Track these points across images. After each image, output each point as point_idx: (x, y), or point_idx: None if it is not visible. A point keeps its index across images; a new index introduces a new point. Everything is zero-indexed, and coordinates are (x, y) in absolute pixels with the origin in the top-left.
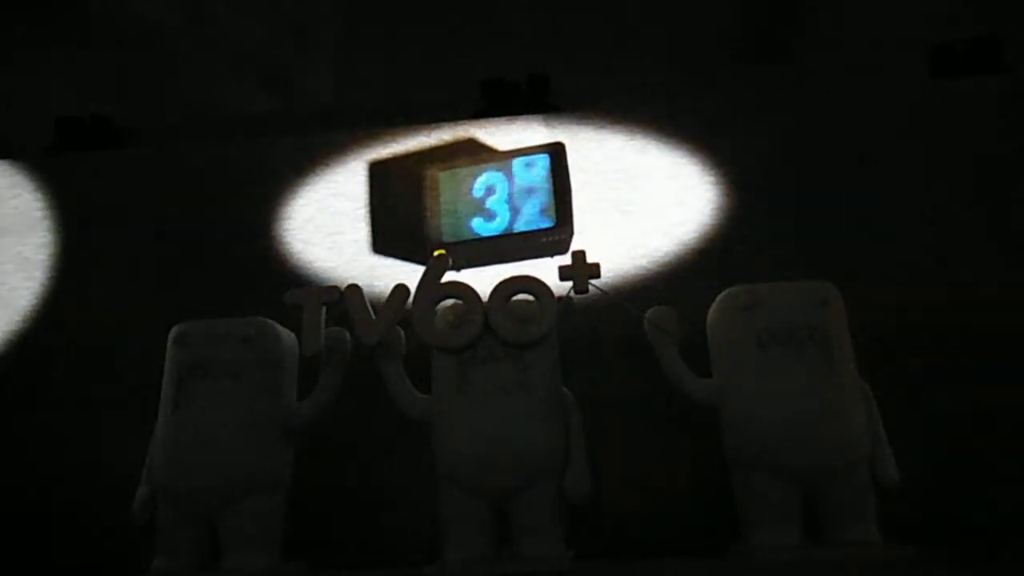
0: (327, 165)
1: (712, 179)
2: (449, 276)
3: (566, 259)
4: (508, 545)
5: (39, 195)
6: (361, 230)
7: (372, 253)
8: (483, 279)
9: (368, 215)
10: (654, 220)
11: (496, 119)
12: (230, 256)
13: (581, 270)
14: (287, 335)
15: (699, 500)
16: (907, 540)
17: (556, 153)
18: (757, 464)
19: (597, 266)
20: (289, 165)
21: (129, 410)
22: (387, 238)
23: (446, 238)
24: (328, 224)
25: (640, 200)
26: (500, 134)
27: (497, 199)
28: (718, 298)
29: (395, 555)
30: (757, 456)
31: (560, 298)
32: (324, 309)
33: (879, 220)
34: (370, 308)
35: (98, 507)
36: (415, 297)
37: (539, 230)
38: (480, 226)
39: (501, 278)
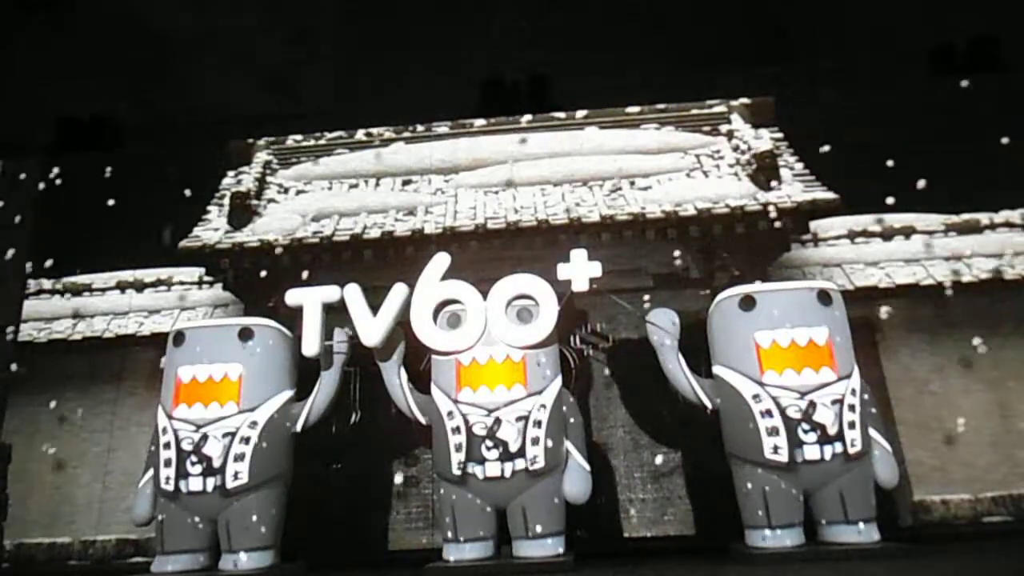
0: (327, 165)
1: (713, 178)
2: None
3: (567, 260)
4: (508, 545)
5: (39, 195)
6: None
7: None
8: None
9: None
10: (654, 220)
11: (496, 119)
12: (229, 255)
13: (581, 270)
14: (287, 335)
15: (699, 500)
16: (905, 539)
17: None
18: (758, 463)
19: (597, 266)
20: (289, 164)
21: (130, 407)
22: None
23: None
24: (328, 224)
25: (641, 200)
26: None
27: None
28: (717, 299)
29: (394, 555)
30: (757, 456)
31: (560, 296)
32: (324, 309)
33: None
34: (369, 309)
35: None
36: (415, 298)
37: None
38: None
39: (501, 279)
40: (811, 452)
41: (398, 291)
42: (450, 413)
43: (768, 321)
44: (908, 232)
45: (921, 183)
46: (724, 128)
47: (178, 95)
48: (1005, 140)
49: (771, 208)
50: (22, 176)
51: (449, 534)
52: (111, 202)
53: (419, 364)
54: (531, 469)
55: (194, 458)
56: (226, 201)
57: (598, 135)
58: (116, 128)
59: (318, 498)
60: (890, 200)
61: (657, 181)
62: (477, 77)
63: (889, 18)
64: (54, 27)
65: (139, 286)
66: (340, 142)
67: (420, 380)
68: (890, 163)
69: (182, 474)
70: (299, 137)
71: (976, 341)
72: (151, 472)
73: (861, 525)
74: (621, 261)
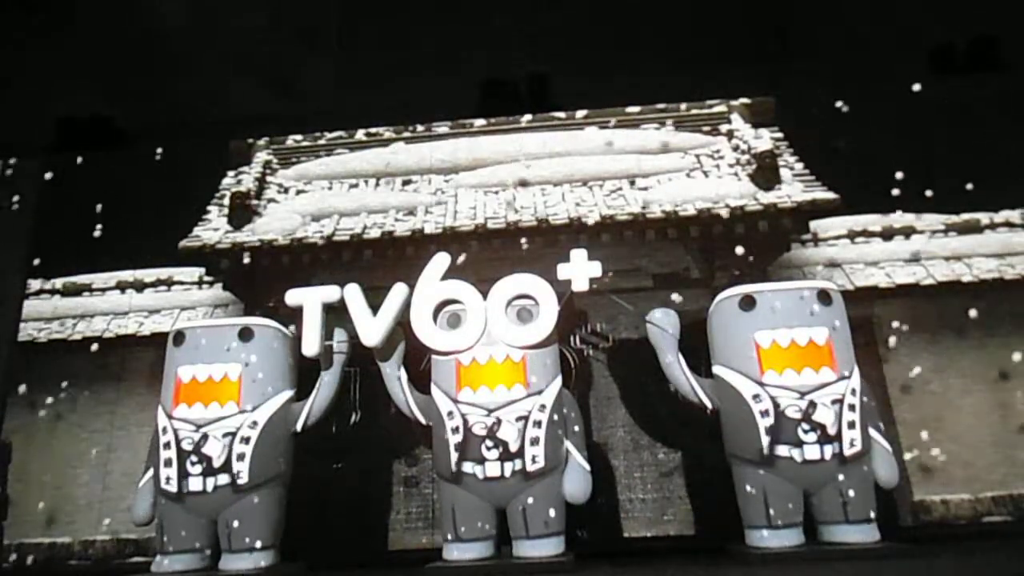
0: (326, 164)
1: (713, 178)
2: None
3: (566, 259)
4: (508, 545)
5: (39, 195)
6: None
7: None
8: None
9: None
10: (654, 220)
11: (496, 119)
12: (229, 255)
13: (581, 270)
14: (287, 335)
15: (699, 500)
16: (905, 539)
17: None
18: (758, 463)
19: (597, 266)
20: (289, 164)
21: (130, 407)
22: None
23: None
24: (328, 224)
25: (641, 200)
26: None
27: None
28: (717, 299)
29: (394, 555)
30: (757, 456)
31: (560, 296)
32: (324, 309)
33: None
34: (369, 309)
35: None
36: (415, 298)
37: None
38: None
39: (501, 279)
40: (811, 452)
41: (398, 291)
42: (450, 413)
43: (768, 321)
44: (908, 232)
45: (921, 183)
46: (724, 128)
47: (178, 95)
48: (1005, 140)
49: (771, 208)
50: (22, 176)
51: (449, 534)
52: (111, 202)
53: (419, 364)
54: (531, 469)
55: (194, 458)
56: (226, 201)
57: (598, 135)
58: (116, 128)
59: (318, 498)
60: (891, 200)
61: (657, 181)
62: (477, 77)
63: (889, 18)
64: (54, 27)
65: (139, 286)
66: (340, 142)
67: (420, 380)
68: (890, 163)
69: (182, 474)
70: (299, 137)
71: (976, 341)
72: (151, 472)
73: (861, 525)
74: (621, 261)
